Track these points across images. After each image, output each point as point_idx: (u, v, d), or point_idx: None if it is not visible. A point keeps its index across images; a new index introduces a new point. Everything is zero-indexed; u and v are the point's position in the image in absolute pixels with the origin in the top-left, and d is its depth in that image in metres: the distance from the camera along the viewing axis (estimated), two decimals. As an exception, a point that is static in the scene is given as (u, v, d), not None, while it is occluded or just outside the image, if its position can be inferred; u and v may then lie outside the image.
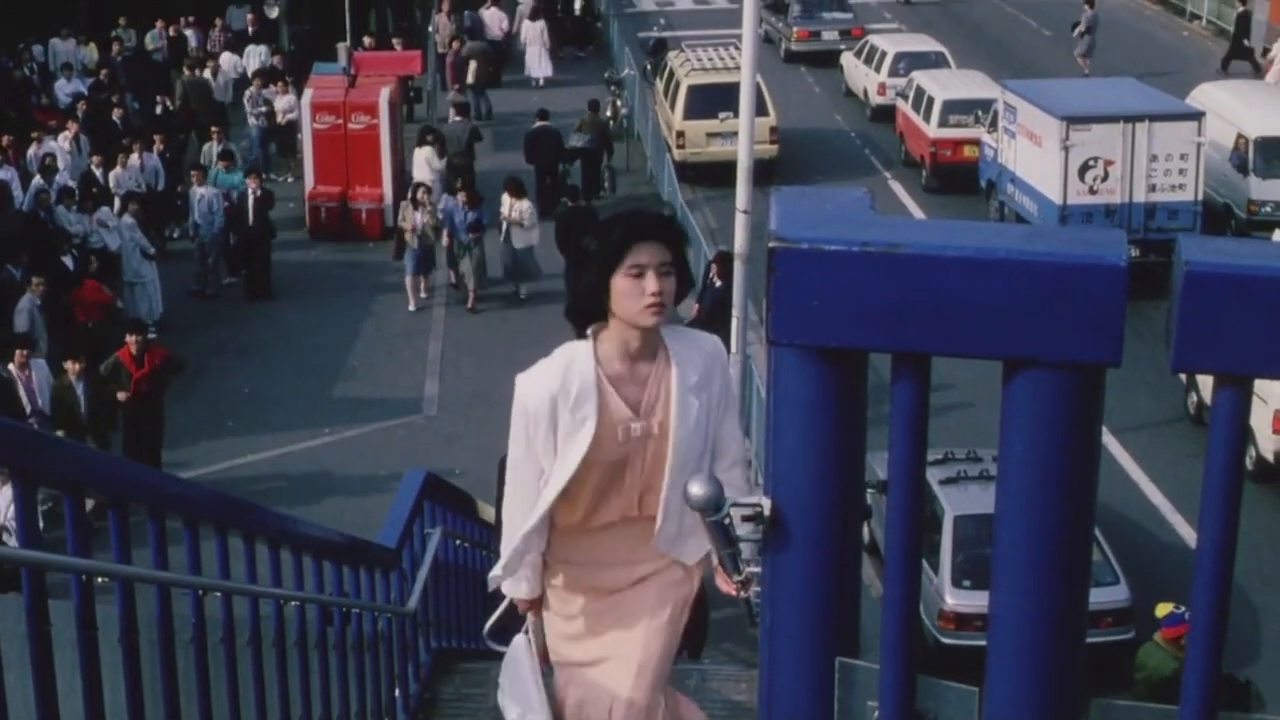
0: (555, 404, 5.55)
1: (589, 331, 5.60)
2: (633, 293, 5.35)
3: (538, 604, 6.15)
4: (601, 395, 5.56)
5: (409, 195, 27.36)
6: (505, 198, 26.84)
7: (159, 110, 32.82)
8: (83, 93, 33.42)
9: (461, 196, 26.92)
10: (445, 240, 26.94)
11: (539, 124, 31.56)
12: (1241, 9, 42.14)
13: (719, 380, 5.73)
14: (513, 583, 6.08)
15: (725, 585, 5.13)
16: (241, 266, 27.55)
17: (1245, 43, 41.42)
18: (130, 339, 20.41)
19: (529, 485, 5.77)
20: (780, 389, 2.26)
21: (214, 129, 30.34)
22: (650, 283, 5.34)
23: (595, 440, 5.56)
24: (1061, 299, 2.04)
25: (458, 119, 32.19)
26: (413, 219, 26.63)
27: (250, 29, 39.51)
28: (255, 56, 37.63)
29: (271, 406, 23.27)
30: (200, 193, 27.40)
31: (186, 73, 34.77)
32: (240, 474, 21.14)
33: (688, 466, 5.61)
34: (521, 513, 5.85)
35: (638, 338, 5.54)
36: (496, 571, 6.07)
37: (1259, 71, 40.59)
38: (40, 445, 4.34)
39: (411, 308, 26.81)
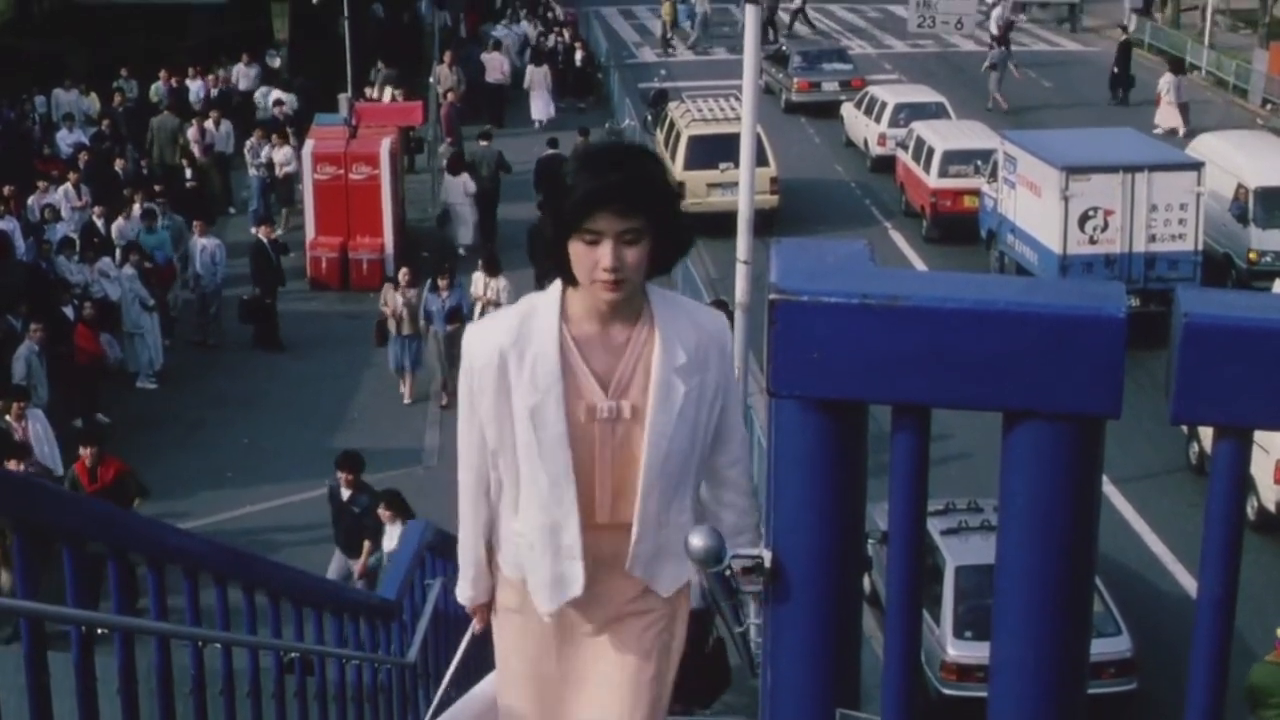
0: (505, 361, 4.53)
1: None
2: (584, 261, 4.37)
3: (487, 609, 5.10)
4: (565, 359, 4.53)
5: (392, 277, 25.98)
6: (478, 277, 26.01)
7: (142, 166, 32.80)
8: (84, 143, 33.50)
9: (443, 281, 25.36)
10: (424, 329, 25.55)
11: (549, 152, 32.19)
12: (1123, 38, 44.85)
13: (716, 367, 4.67)
14: (460, 583, 5.10)
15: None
16: (253, 317, 27.51)
17: (1128, 72, 44.05)
18: (84, 451, 18.82)
19: (476, 463, 4.78)
20: (781, 440, 2.27)
21: (135, 193, 29.81)
22: (604, 254, 4.33)
23: (560, 416, 4.52)
24: (1061, 351, 2.04)
25: (483, 143, 32.91)
26: (394, 302, 25.16)
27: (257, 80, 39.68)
28: (247, 79, 37.99)
29: (272, 457, 23.25)
30: (202, 243, 27.44)
31: (186, 122, 34.88)
32: (240, 525, 21.10)
33: (670, 466, 4.60)
34: (470, 499, 4.88)
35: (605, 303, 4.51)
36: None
37: (1124, 103, 43.29)
38: (40, 495, 4.34)
39: (407, 400, 25.38)
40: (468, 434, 4.76)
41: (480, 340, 4.63)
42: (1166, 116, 40.46)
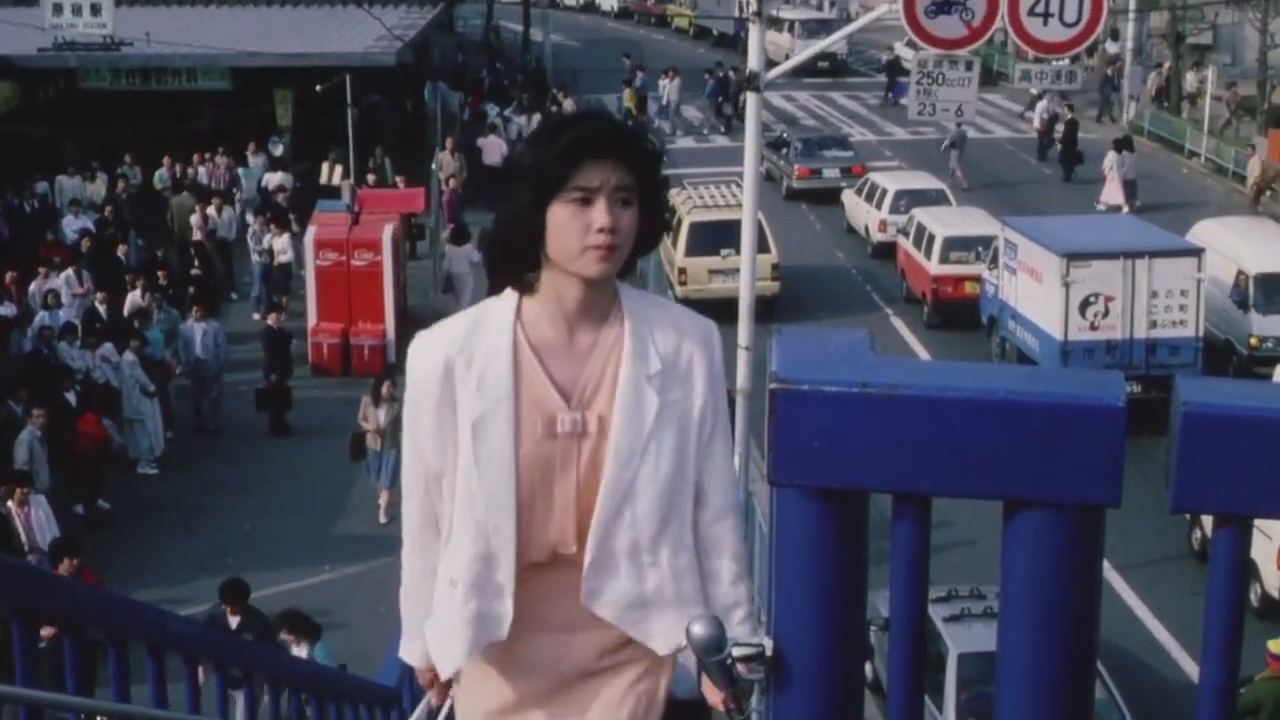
0: (450, 369, 3.87)
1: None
2: (573, 226, 3.72)
3: (443, 683, 4.37)
4: (519, 368, 3.87)
5: (371, 390, 24.42)
6: None
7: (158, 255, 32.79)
8: (90, 229, 33.62)
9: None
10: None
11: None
12: (1069, 117, 46.04)
13: (703, 380, 3.94)
14: (403, 643, 4.34)
15: (713, 696, 3.70)
16: (270, 404, 27.50)
17: (1074, 149, 45.33)
18: (65, 562, 18.50)
19: (420, 495, 4.07)
20: (782, 528, 2.27)
21: (137, 279, 29.86)
22: (599, 213, 3.71)
23: (508, 432, 3.86)
24: (1060, 440, 2.05)
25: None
26: (374, 417, 23.88)
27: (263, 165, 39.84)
28: (283, 183, 38.20)
29: (273, 543, 23.21)
30: (203, 327, 27.47)
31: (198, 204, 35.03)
32: (241, 611, 21.02)
33: (644, 491, 3.90)
34: (414, 539, 4.16)
35: (578, 292, 3.84)
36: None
37: (1069, 179, 44.91)
38: (40, 582, 4.34)
39: (383, 520, 23.39)
40: (411, 461, 4.04)
41: (423, 349, 3.95)
42: (1112, 193, 41.41)
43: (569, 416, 3.87)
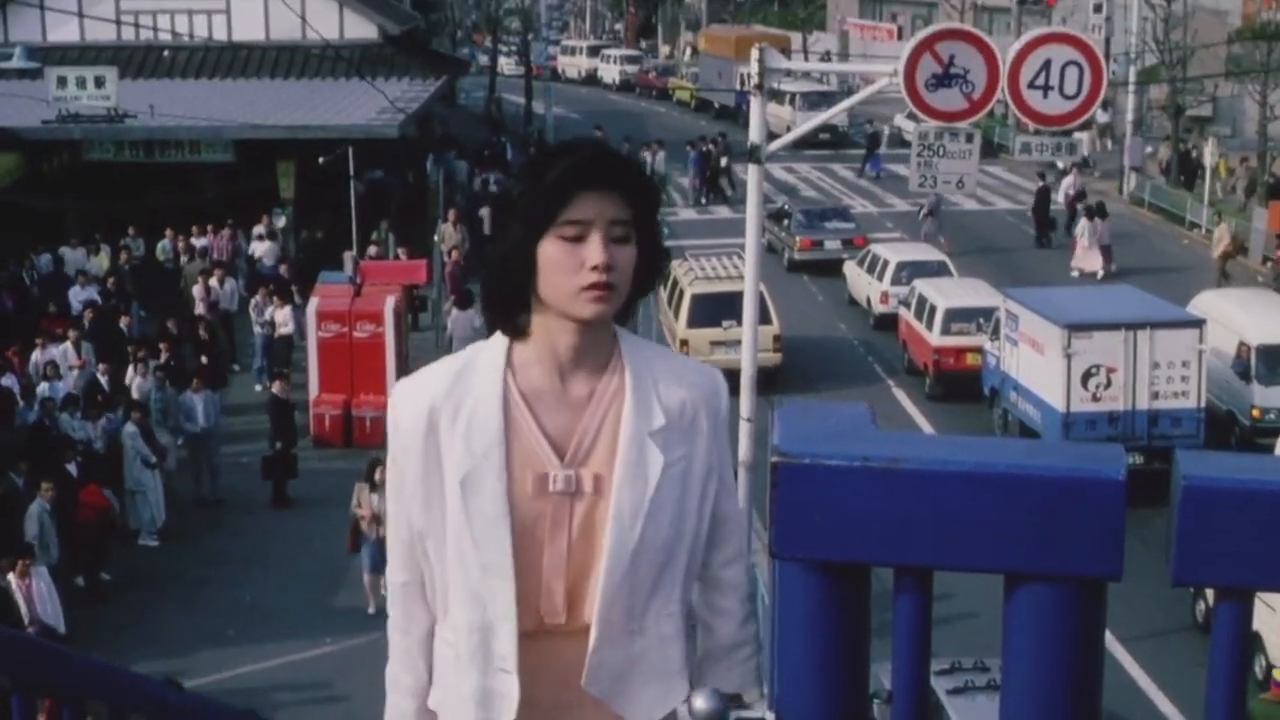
0: (435, 420, 3.56)
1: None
2: (566, 263, 3.40)
3: None
4: (509, 416, 3.55)
5: (365, 475, 23.49)
6: None
7: (170, 326, 32.74)
8: (95, 300, 33.69)
9: None
10: None
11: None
12: (1040, 185, 46.96)
13: (709, 438, 3.67)
14: (390, 710, 3.95)
15: None
16: (276, 473, 27.48)
17: (1047, 217, 46.52)
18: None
19: (406, 558, 3.75)
20: (784, 601, 2.27)
21: (138, 350, 29.81)
22: (594, 249, 3.39)
23: (499, 488, 3.53)
24: (1061, 514, 2.05)
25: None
26: (369, 503, 22.96)
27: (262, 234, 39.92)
28: (269, 255, 38.29)
29: (273, 615, 23.16)
30: (204, 398, 27.50)
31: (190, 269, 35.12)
32: (241, 684, 20.96)
33: (644, 557, 3.59)
34: (400, 604, 3.83)
35: (573, 337, 3.54)
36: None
37: (1045, 245, 45.94)
38: (41, 655, 4.33)
39: (370, 610, 22.22)
40: (396, 521, 3.73)
41: (406, 397, 3.63)
42: (1085, 260, 42.41)
43: (562, 474, 3.55)
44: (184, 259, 37.92)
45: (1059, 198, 46.66)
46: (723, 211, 51.36)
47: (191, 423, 27.37)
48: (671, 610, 3.71)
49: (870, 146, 57.98)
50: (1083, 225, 42.97)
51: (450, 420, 3.57)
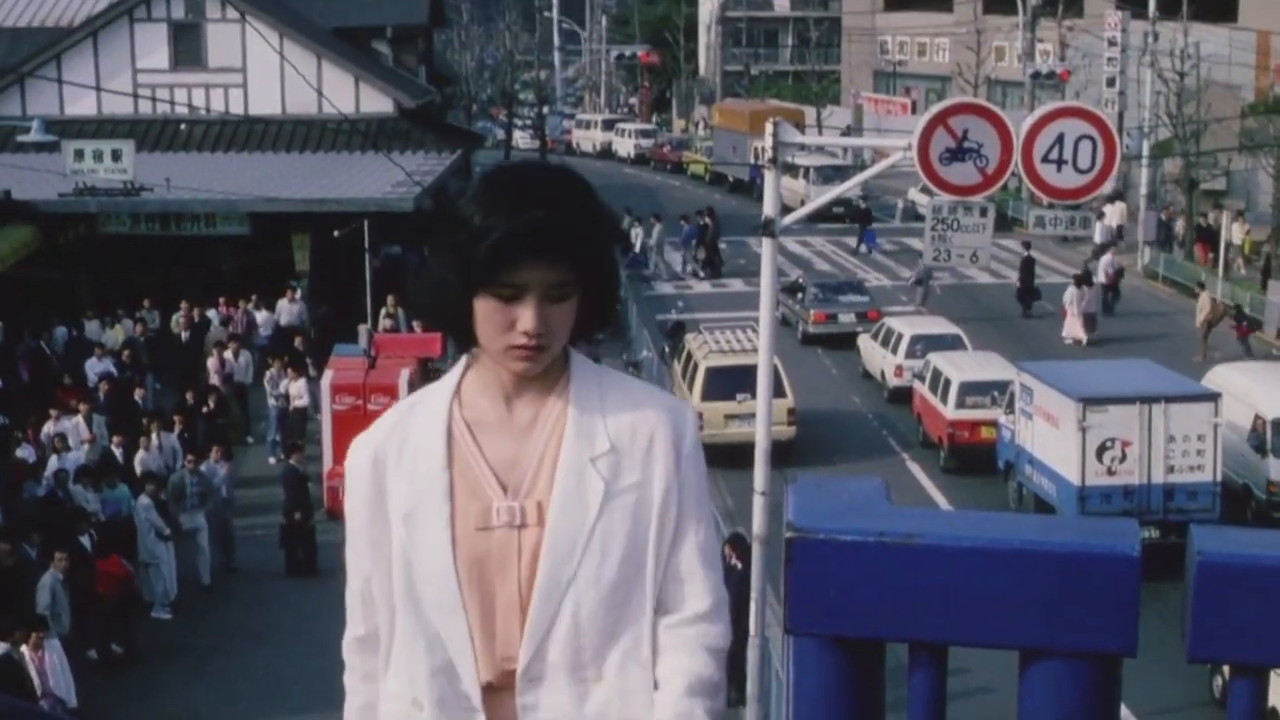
0: (382, 463, 3.39)
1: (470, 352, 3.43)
2: (497, 321, 3.22)
3: None
4: (453, 448, 3.35)
5: None
6: None
7: (188, 399, 32.71)
8: (111, 373, 33.76)
9: None
10: None
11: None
12: (1026, 254, 47.76)
13: (666, 462, 3.32)
14: None
15: None
16: (291, 543, 27.46)
17: (1032, 286, 47.27)
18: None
19: (361, 612, 3.48)
20: (799, 677, 2.27)
21: (152, 423, 29.79)
22: (525, 315, 3.19)
23: (443, 523, 3.31)
24: (1075, 589, 2.05)
25: None
26: None
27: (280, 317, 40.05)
28: (287, 313, 38.41)
29: (285, 688, 23.07)
30: (223, 467, 27.57)
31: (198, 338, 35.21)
32: (254, 757, 20.92)
33: (579, 591, 3.27)
34: (356, 658, 3.54)
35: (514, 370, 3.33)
36: None
37: (1028, 313, 46.62)
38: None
39: None
40: (350, 572, 3.49)
41: (356, 445, 3.49)
42: (1072, 328, 43.01)
43: (504, 505, 3.30)
44: (183, 332, 37.95)
45: (1099, 276, 46.70)
46: (736, 285, 51.44)
47: (214, 491, 27.43)
48: (641, 656, 3.34)
49: (861, 222, 58.13)
50: (1070, 293, 43.51)
51: (395, 458, 3.39)
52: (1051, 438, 27.88)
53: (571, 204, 3.24)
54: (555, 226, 3.17)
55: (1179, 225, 55.10)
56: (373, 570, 3.40)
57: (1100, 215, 52.37)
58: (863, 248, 57.64)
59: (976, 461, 31.88)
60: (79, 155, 40.21)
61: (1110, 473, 26.80)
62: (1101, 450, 26.76)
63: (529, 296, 3.18)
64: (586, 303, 3.27)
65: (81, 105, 46.53)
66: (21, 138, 36.02)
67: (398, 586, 3.37)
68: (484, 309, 3.21)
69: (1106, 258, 48.22)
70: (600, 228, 3.31)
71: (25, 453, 27.89)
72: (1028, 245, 48.07)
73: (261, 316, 39.29)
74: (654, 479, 3.31)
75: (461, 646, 3.32)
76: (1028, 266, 47.33)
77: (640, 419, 3.33)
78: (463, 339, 3.34)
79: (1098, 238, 52.83)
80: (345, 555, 3.49)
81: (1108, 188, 42.47)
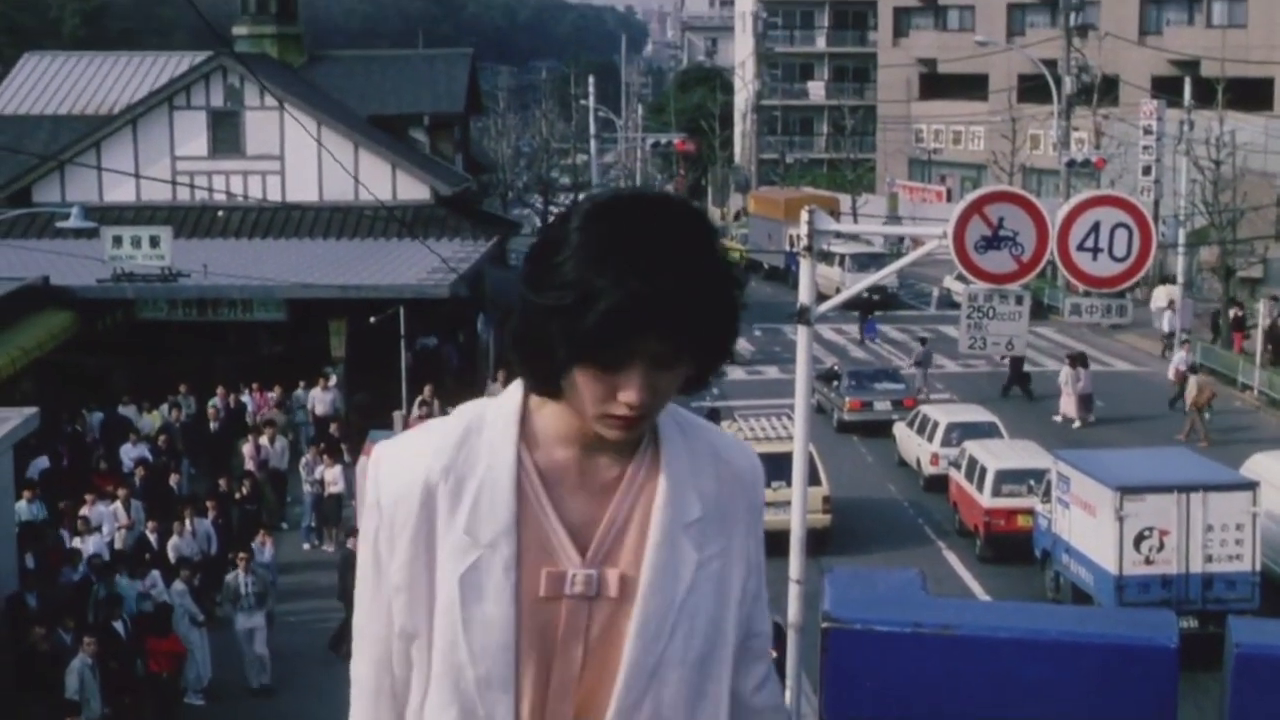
0: (431, 494, 2.94)
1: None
2: (597, 390, 2.84)
3: None
4: (523, 500, 2.94)
5: None
6: None
7: (221, 486, 32.70)
8: (147, 458, 33.84)
9: None
10: None
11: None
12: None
13: (745, 526, 3.10)
14: None
15: None
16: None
17: (1022, 370, 47.47)
18: None
19: (376, 653, 3.05)
20: (833, 768, 2.26)
21: (186, 509, 29.75)
22: (629, 386, 2.83)
23: (508, 588, 2.90)
24: (1114, 680, 2.04)
25: None
26: None
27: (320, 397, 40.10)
28: (323, 402, 38.48)
29: (319, 775, 23.01)
30: (268, 552, 27.64)
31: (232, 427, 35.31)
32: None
33: (666, 671, 2.95)
34: (365, 705, 3.11)
35: None
36: None
37: (1032, 398, 46.43)
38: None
39: None
40: (369, 606, 3.05)
41: (397, 462, 2.99)
42: (1066, 407, 43.67)
43: (582, 573, 2.92)
44: (218, 423, 37.99)
45: (1169, 373, 46.30)
46: (771, 372, 51.39)
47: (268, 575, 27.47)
48: None
49: (864, 312, 57.97)
50: (1066, 373, 43.80)
51: (451, 498, 2.93)
52: (1089, 527, 27.73)
53: (700, 263, 2.82)
54: (680, 299, 2.77)
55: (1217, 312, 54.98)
56: (413, 628, 2.98)
57: (1145, 300, 52.44)
58: (867, 338, 57.56)
59: (1013, 550, 31.71)
60: (117, 241, 40.45)
61: (1148, 562, 26.62)
62: (1139, 539, 26.60)
63: (636, 365, 2.81)
64: (698, 366, 2.91)
65: (120, 192, 46.92)
66: (61, 224, 36.23)
67: (441, 652, 2.96)
68: (583, 377, 2.84)
69: (1179, 354, 47.41)
70: (729, 290, 2.88)
71: (61, 537, 27.93)
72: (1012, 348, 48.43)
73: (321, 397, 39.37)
74: (735, 545, 3.07)
75: None
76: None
77: (725, 479, 3.07)
78: (550, 393, 2.96)
79: (1165, 327, 52.61)
80: (358, 587, 3.07)
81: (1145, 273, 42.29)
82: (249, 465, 34.56)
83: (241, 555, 26.69)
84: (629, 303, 2.73)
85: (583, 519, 2.96)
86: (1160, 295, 55.09)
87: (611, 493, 2.97)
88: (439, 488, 2.94)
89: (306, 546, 32.12)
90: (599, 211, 2.86)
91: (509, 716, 2.94)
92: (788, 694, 17.69)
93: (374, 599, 3.04)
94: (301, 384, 39.88)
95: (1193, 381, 42.62)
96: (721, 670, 3.06)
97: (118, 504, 29.93)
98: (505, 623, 2.91)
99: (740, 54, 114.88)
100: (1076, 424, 42.61)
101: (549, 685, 2.96)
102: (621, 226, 2.81)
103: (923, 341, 49.27)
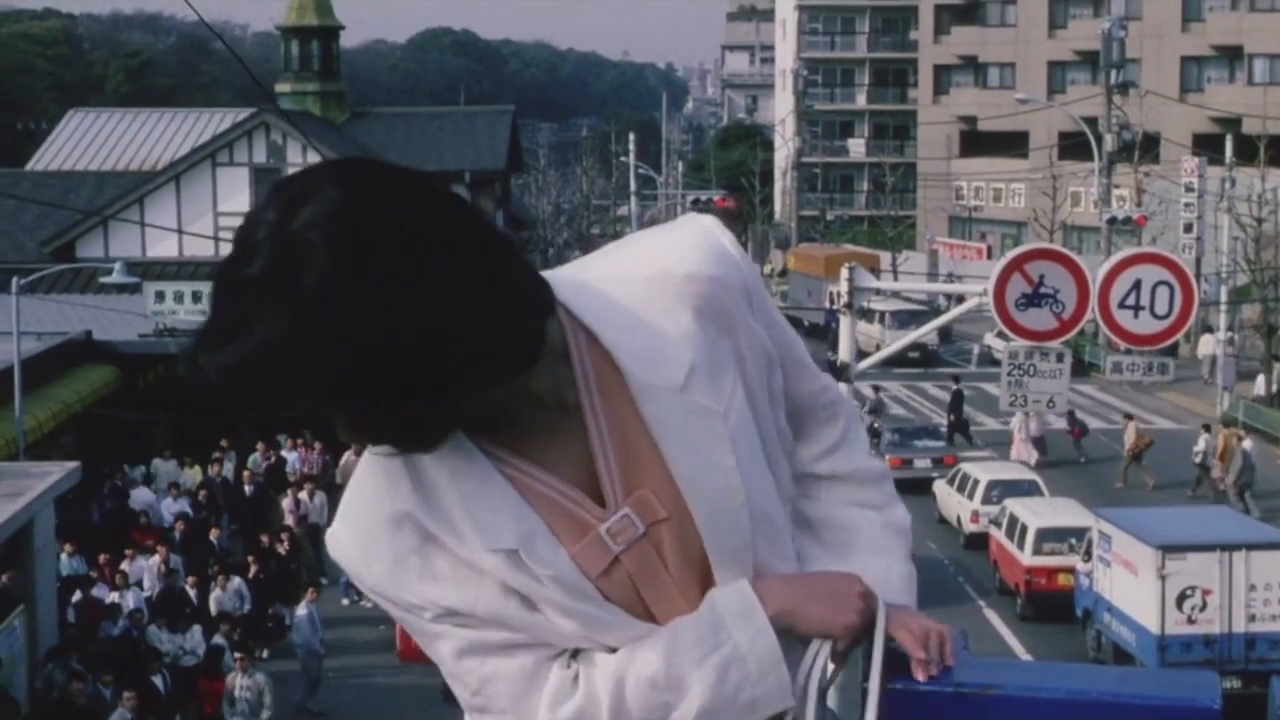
0: (420, 534, 2.36)
1: None
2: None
3: None
4: (521, 490, 2.37)
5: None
6: None
7: (263, 543, 32.72)
8: (188, 513, 33.92)
9: None
10: None
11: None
12: (955, 387, 49.44)
13: (739, 320, 2.45)
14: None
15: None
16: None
17: (961, 418, 48.83)
18: None
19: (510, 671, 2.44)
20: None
21: (222, 567, 29.90)
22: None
23: (571, 569, 2.36)
24: (1157, 743, 2.02)
25: None
26: None
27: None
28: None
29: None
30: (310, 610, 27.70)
31: (287, 498, 35.39)
32: None
33: (748, 553, 2.43)
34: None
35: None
36: None
37: (971, 443, 47.50)
38: None
39: None
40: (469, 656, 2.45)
41: (355, 529, 2.42)
42: (1019, 451, 44.41)
43: (615, 522, 2.39)
44: (260, 478, 38.08)
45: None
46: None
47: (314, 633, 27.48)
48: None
49: (836, 376, 58.05)
50: (1018, 419, 43.79)
51: (439, 523, 2.37)
52: (1130, 585, 27.59)
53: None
54: (230, 374, 2.11)
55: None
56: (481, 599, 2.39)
57: (1191, 355, 52.28)
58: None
59: (1054, 609, 31.56)
60: (160, 296, 40.70)
61: (1190, 621, 26.45)
62: (1181, 599, 26.44)
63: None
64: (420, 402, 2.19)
65: (163, 247, 47.17)
66: (104, 279, 36.46)
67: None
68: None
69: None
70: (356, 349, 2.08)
71: (101, 592, 28.03)
72: (956, 379, 50.26)
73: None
74: (744, 352, 2.47)
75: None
76: (958, 398, 48.80)
77: (678, 298, 2.38)
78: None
79: (1221, 382, 52.36)
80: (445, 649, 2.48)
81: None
82: (288, 520, 34.61)
83: (238, 656, 25.22)
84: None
85: (575, 466, 2.40)
86: (1208, 342, 55.06)
87: (579, 422, 2.38)
88: (419, 522, 2.36)
89: (346, 602, 32.08)
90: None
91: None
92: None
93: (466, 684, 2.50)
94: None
95: (1131, 427, 42.97)
96: (776, 513, 2.53)
97: (156, 558, 30.02)
98: (592, 601, 2.38)
99: (780, 111, 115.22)
100: (1033, 463, 43.09)
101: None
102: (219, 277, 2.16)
103: (876, 389, 50.41)
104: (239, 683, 24.59)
